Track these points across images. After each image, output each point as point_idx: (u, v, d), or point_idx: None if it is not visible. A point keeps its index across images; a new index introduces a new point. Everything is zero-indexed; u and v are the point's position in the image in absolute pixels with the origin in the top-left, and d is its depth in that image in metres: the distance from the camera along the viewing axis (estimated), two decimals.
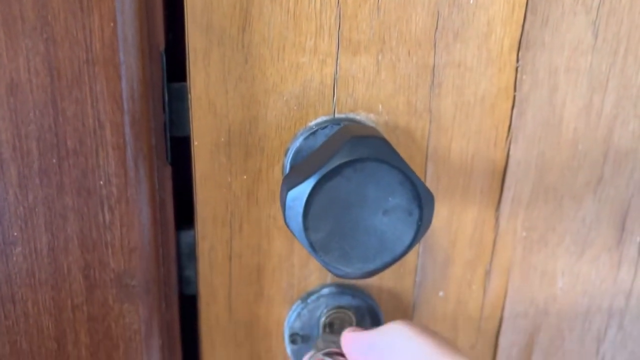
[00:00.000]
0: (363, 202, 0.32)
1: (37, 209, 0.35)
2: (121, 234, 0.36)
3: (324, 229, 0.32)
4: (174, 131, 0.38)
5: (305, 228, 0.31)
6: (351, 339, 0.32)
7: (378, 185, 0.31)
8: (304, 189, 0.31)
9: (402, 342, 0.29)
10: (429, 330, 0.30)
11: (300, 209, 0.31)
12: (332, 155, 0.31)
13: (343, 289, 0.41)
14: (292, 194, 0.31)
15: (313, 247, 0.32)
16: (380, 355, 0.30)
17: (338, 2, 0.36)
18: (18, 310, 0.37)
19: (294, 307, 0.42)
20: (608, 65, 0.39)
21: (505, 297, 0.44)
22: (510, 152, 0.41)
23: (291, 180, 0.32)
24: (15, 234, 0.35)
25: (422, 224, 0.32)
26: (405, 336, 0.29)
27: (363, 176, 0.31)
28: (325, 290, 0.41)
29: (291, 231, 0.32)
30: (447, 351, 0.28)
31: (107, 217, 0.36)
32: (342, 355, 0.32)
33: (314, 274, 0.42)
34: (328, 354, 0.32)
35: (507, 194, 0.42)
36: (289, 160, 0.38)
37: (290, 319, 0.42)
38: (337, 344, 0.36)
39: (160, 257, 0.39)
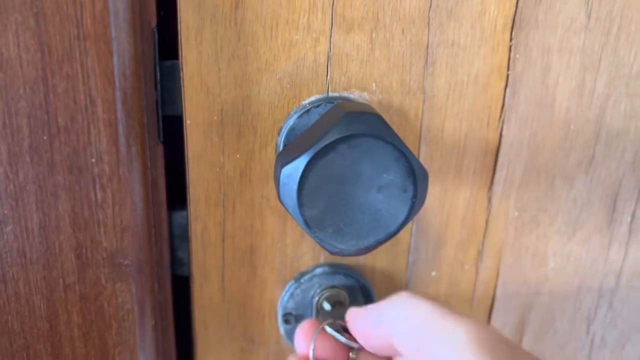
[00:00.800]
0: (357, 178, 0.31)
1: (27, 187, 0.35)
2: (113, 213, 0.36)
3: (318, 205, 0.32)
4: (166, 110, 0.38)
5: (300, 205, 0.31)
6: (357, 314, 0.32)
7: (373, 161, 0.31)
8: (298, 165, 0.31)
9: (408, 311, 0.29)
10: (432, 298, 0.30)
11: (295, 186, 0.31)
12: (327, 131, 0.31)
13: (336, 269, 0.41)
14: (286, 170, 0.31)
15: (307, 224, 0.32)
16: (388, 326, 0.30)
17: None
18: (9, 290, 0.37)
19: (287, 287, 0.42)
20: (601, 44, 0.40)
21: (497, 277, 0.45)
22: (503, 132, 0.41)
23: (285, 156, 0.32)
24: (6, 212, 0.35)
25: (417, 201, 0.32)
26: (411, 304, 0.29)
27: (358, 152, 0.31)
28: (319, 270, 0.41)
29: (285, 208, 0.32)
30: (454, 313, 0.28)
31: (99, 195, 0.36)
32: (347, 330, 0.32)
33: (307, 254, 0.42)
34: (333, 325, 0.32)
35: (500, 174, 0.42)
36: (282, 140, 0.38)
37: (283, 299, 0.42)
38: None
39: (152, 237, 0.38)
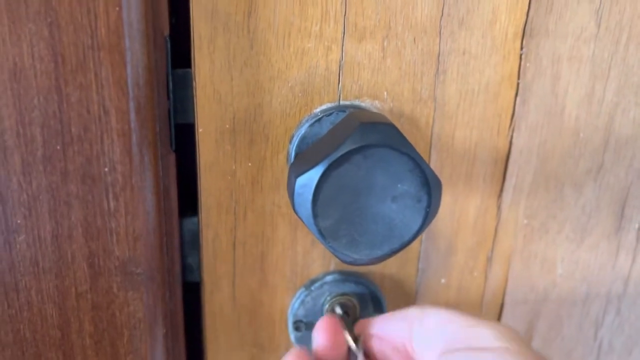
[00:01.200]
0: (372, 188, 0.31)
1: (41, 197, 0.35)
2: (126, 222, 0.36)
3: (333, 215, 0.32)
4: (178, 118, 0.38)
5: (315, 215, 0.31)
6: (376, 318, 0.32)
7: (387, 171, 0.31)
8: (313, 175, 0.31)
9: (433, 315, 0.29)
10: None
11: (310, 196, 0.31)
12: (342, 141, 0.31)
13: (346, 276, 0.41)
14: (300, 180, 0.31)
15: (322, 234, 0.32)
16: (408, 330, 0.30)
17: None
18: (22, 298, 0.37)
19: (297, 294, 0.42)
20: (610, 53, 0.40)
21: (506, 284, 0.45)
22: (513, 140, 0.41)
23: (299, 166, 0.32)
24: (19, 221, 0.35)
25: (430, 211, 0.32)
26: (433, 310, 0.30)
27: (372, 162, 0.31)
28: (329, 278, 0.41)
29: (299, 218, 0.32)
30: (476, 317, 0.29)
31: (112, 204, 0.36)
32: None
33: (317, 261, 0.42)
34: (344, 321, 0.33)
35: (510, 182, 0.42)
36: (294, 148, 0.38)
37: (293, 306, 0.42)
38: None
39: (164, 245, 0.38)
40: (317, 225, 0.31)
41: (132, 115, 0.34)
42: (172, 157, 0.38)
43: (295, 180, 0.31)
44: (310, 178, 0.31)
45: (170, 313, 0.40)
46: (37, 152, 0.34)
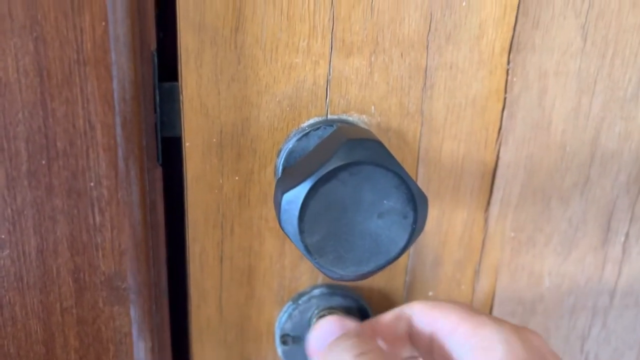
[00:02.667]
0: (358, 205, 0.32)
1: (25, 212, 0.34)
2: (112, 236, 0.36)
3: (320, 232, 0.32)
4: (165, 132, 0.38)
5: (301, 231, 0.31)
6: (377, 317, 0.32)
7: (374, 188, 0.31)
8: (300, 192, 0.31)
9: (431, 308, 0.30)
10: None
11: (296, 212, 0.31)
12: (328, 158, 0.31)
13: (334, 290, 0.41)
14: (287, 196, 0.31)
15: (308, 251, 0.32)
16: (406, 320, 0.30)
17: (332, 3, 0.36)
18: (5, 314, 0.36)
19: (284, 308, 0.42)
20: (596, 68, 0.40)
21: (493, 296, 0.45)
22: (500, 154, 0.41)
23: (286, 183, 0.32)
24: (3, 236, 0.35)
25: (417, 227, 0.32)
26: (429, 303, 0.30)
27: (359, 179, 0.31)
28: (317, 292, 0.41)
29: (286, 234, 0.32)
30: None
31: (98, 219, 0.35)
32: None
33: (305, 275, 0.42)
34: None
35: (497, 195, 0.42)
36: (282, 162, 0.38)
37: (281, 320, 0.42)
38: None
39: (150, 259, 0.38)
40: (303, 241, 0.31)
41: (118, 130, 0.34)
42: (158, 171, 0.38)
43: (281, 197, 0.31)
44: (296, 195, 0.31)
45: (157, 327, 0.40)
46: (22, 166, 0.34)
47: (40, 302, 0.36)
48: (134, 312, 0.38)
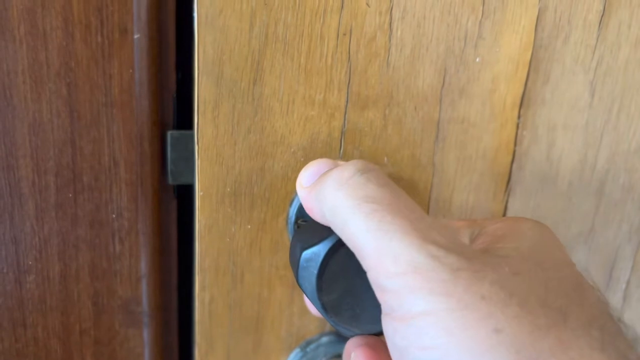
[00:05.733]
0: None
1: (51, 240, 0.37)
2: (130, 264, 0.38)
3: (337, 290, 0.32)
4: (179, 180, 0.38)
5: (319, 289, 0.31)
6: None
7: None
8: (320, 250, 0.31)
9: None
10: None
11: (315, 270, 0.31)
12: None
13: (342, 338, 0.41)
14: (306, 254, 0.31)
15: (325, 308, 0.32)
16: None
17: (349, 58, 0.36)
18: (28, 334, 0.38)
19: (292, 355, 0.42)
20: (603, 122, 0.41)
21: None
22: (508, 204, 0.42)
23: (305, 239, 0.32)
24: (30, 262, 0.37)
25: None
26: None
27: None
28: (325, 339, 0.41)
29: (303, 291, 0.32)
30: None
31: (118, 248, 0.37)
32: None
33: (313, 322, 0.42)
34: None
35: None
36: (294, 211, 0.38)
37: None
38: None
39: (164, 285, 0.40)
40: (320, 299, 0.31)
41: (140, 167, 0.36)
42: (173, 203, 0.40)
43: (301, 254, 0.31)
44: (316, 253, 0.31)
45: (167, 347, 0.42)
46: (50, 199, 0.36)
47: (61, 323, 0.38)
48: (146, 334, 0.40)
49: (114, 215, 0.37)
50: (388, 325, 0.26)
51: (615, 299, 0.46)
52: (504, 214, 0.42)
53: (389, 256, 0.25)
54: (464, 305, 0.23)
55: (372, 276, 0.27)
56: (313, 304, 0.32)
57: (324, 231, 0.31)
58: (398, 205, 0.27)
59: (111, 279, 0.38)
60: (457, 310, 0.23)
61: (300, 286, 0.32)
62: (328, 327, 0.42)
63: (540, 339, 0.23)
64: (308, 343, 0.41)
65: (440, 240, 0.26)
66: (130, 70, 0.34)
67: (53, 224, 0.37)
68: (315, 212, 0.30)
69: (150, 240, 0.38)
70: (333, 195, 0.28)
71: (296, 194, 0.38)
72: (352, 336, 0.33)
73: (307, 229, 0.33)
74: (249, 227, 0.39)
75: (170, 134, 0.37)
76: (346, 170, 0.29)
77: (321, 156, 0.38)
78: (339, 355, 0.41)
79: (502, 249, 0.28)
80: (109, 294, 0.39)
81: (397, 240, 0.26)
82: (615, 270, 0.45)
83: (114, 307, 0.39)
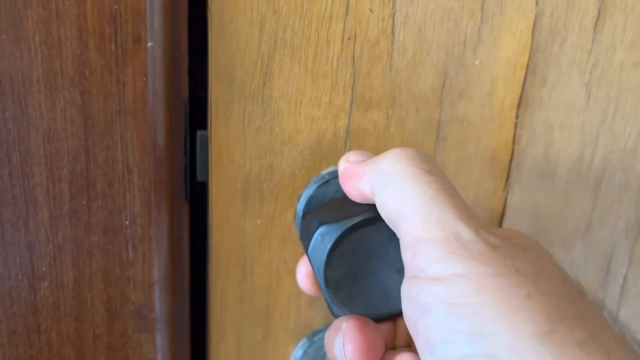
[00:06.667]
0: (383, 256, 0.33)
1: (65, 247, 0.37)
2: (143, 270, 0.39)
3: (341, 269, 0.33)
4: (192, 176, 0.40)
5: (327, 263, 0.33)
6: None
7: (399, 246, 0.33)
8: (338, 227, 0.32)
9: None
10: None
11: (329, 244, 0.32)
12: (373, 206, 0.32)
13: None
14: (324, 229, 0.33)
15: (326, 282, 0.33)
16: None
17: (353, 61, 0.38)
18: (42, 340, 0.39)
19: (300, 344, 0.44)
20: (598, 122, 0.42)
21: None
22: (507, 202, 0.43)
23: (324, 216, 0.33)
24: (44, 269, 0.37)
25: None
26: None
27: (392, 233, 0.33)
28: None
29: (310, 262, 0.34)
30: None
31: (131, 254, 0.38)
32: None
33: (320, 313, 0.43)
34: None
35: None
36: (302, 206, 0.40)
37: (296, 356, 0.43)
38: None
39: (176, 291, 0.41)
40: (325, 272, 0.33)
41: (153, 174, 0.37)
42: (186, 209, 0.41)
43: (317, 227, 0.33)
44: (333, 228, 0.32)
45: (179, 353, 0.42)
46: (64, 206, 0.37)
47: (74, 329, 0.39)
48: (159, 340, 0.40)
49: (127, 222, 0.37)
50: (413, 286, 0.28)
51: (612, 294, 0.48)
52: (503, 211, 0.43)
53: (436, 223, 0.28)
54: (499, 272, 0.26)
55: (407, 240, 0.29)
56: (317, 276, 0.33)
57: (346, 212, 0.33)
58: (450, 185, 0.31)
59: (124, 285, 0.39)
60: (493, 276, 0.26)
61: (308, 257, 0.34)
62: (333, 319, 0.44)
63: (566, 309, 0.26)
64: (315, 333, 0.43)
65: (480, 223, 0.29)
66: (144, 78, 0.34)
67: (67, 231, 0.37)
68: (364, 182, 0.32)
69: (163, 246, 0.38)
70: (392, 165, 0.31)
71: (303, 190, 0.40)
72: (338, 317, 0.35)
73: (328, 208, 0.35)
74: (259, 222, 0.41)
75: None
76: (405, 150, 0.32)
77: (327, 155, 0.40)
78: None
79: (517, 242, 0.30)
80: (122, 300, 0.39)
81: (448, 211, 0.29)
82: (612, 265, 0.47)
83: (126, 313, 0.39)
